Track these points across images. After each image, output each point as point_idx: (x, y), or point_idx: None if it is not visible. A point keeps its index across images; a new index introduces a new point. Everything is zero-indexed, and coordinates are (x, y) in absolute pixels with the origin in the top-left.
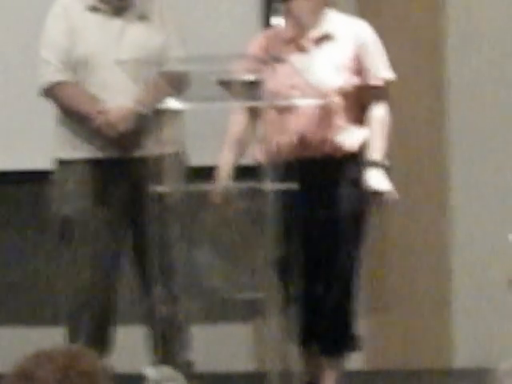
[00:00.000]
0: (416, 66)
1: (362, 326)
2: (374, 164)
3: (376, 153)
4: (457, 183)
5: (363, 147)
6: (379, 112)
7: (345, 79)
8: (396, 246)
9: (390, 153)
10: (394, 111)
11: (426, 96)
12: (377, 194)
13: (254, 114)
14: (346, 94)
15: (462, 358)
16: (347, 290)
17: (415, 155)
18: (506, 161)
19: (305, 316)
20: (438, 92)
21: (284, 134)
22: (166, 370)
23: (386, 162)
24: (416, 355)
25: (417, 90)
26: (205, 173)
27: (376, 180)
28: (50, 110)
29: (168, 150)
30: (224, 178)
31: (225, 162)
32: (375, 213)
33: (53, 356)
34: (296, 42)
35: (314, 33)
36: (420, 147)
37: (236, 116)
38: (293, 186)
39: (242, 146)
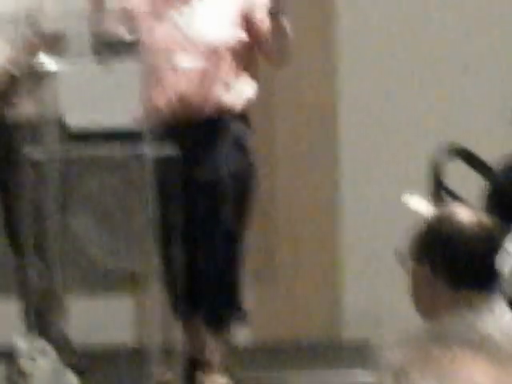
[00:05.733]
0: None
1: (248, 299)
2: None
3: None
4: (345, 152)
5: (249, 106)
6: None
7: (230, 33)
8: (283, 214)
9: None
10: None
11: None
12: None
13: None
14: (231, 49)
15: (351, 329)
16: (231, 258)
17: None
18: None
19: (188, 286)
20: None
21: (163, 94)
22: (38, 342)
23: None
24: (304, 328)
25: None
26: (82, 137)
27: None
28: None
29: (43, 112)
30: None
31: None
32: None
33: None
34: None
35: None
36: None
37: None
38: (173, 150)
39: None
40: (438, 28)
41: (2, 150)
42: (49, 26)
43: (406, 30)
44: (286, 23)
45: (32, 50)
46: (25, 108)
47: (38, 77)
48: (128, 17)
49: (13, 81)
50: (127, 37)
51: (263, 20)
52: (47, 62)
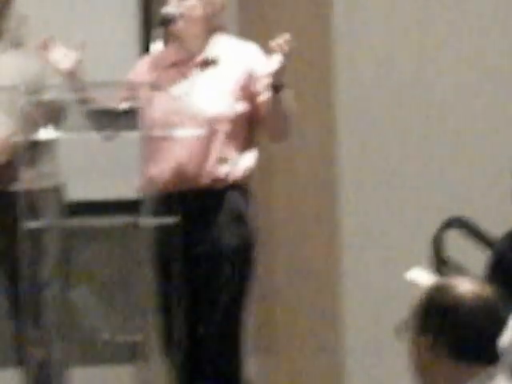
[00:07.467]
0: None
1: (248, 368)
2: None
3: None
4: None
5: (248, 177)
6: None
7: (228, 105)
8: (283, 284)
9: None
10: None
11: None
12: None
13: None
14: (228, 121)
15: None
16: (232, 330)
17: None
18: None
19: (188, 358)
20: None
21: (160, 164)
22: None
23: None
24: None
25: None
26: (82, 207)
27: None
28: None
29: (44, 183)
30: None
31: None
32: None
33: None
34: (179, 66)
35: (198, 57)
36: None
37: None
38: (172, 220)
39: None
40: (441, 107)
41: (4, 222)
42: (49, 95)
43: (406, 103)
44: (287, 96)
45: (32, 121)
46: (24, 178)
47: (37, 147)
48: (128, 87)
49: (15, 153)
50: (123, 106)
51: (263, 93)
52: (47, 132)
